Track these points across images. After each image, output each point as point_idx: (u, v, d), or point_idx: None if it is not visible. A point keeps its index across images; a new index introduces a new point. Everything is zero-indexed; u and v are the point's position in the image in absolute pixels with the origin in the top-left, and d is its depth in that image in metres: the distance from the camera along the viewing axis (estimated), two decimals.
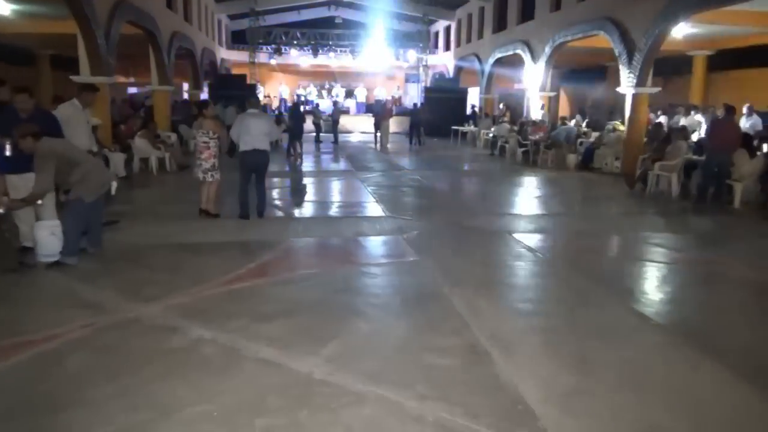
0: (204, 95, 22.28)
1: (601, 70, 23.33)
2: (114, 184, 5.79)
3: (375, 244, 6.68)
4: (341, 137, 21.51)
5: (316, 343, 3.75)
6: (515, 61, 21.01)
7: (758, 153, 9.60)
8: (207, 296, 4.68)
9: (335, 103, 22.15)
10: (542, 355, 3.66)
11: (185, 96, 24.09)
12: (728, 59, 17.46)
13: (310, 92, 30.57)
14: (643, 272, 5.83)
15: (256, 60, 27.42)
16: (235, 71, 28.37)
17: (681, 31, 13.49)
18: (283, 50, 28.61)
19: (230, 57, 29.85)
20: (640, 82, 12.64)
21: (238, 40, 30.52)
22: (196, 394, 3.14)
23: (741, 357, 3.68)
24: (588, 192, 11.07)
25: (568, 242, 6.95)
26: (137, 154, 11.69)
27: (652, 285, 5.43)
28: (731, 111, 9.48)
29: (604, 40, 13.97)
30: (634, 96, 12.92)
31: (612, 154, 13.53)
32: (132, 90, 25.72)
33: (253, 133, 7.43)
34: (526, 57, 19.31)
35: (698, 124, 14.67)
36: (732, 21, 12.45)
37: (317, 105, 25.59)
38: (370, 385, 3.22)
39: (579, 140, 14.90)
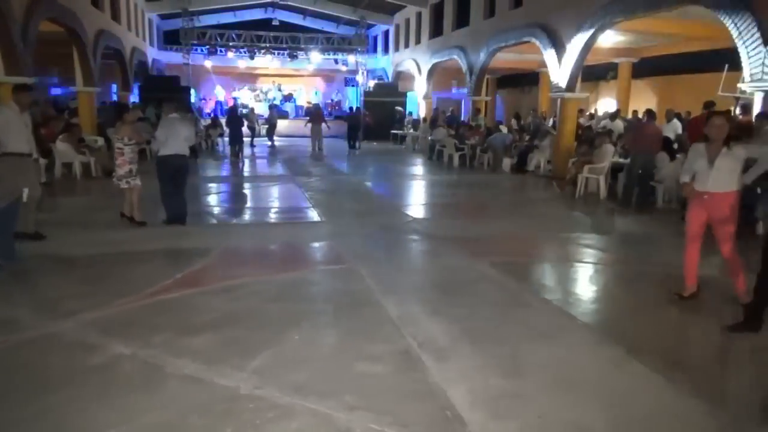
0: (134, 97, 21.48)
1: (535, 75, 24.04)
2: (25, 191, 5.44)
3: (310, 251, 6.59)
4: (279, 142, 21.23)
5: (245, 356, 3.63)
6: (454, 66, 21.37)
7: (677, 156, 10.13)
8: (130, 309, 4.46)
9: (271, 107, 21.79)
10: (473, 359, 3.69)
11: (114, 98, 23.14)
12: (651, 67, 18.38)
13: (247, 95, 30.01)
14: (571, 273, 6.01)
15: (190, 61, 26.61)
16: (168, 72, 27.49)
17: (608, 39, 14.07)
18: (218, 51, 27.93)
19: (162, 58, 28.92)
20: (570, 88, 13.11)
21: (170, 40, 29.56)
22: (115, 416, 2.97)
23: (659, 354, 3.83)
24: (522, 195, 11.36)
25: (500, 245, 7.07)
26: (59, 159, 11.09)
27: (579, 285, 5.60)
28: (653, 115, 9.95)
29: (537, 46, 14.40)
30: (564, 101, 13.38)
31: (545, 158, 13.96)
32: (56, 91, 24.44)
33: (176, 138, 7.28)
34: (462, 62, 19.68)
35: (621, 128, 15.36)
36: (654, 30, 13.10)
37: (252, 109, 25.12)
38: (299, 398, 3.14)
39: (514, 144, 15.27)
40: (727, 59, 9.54)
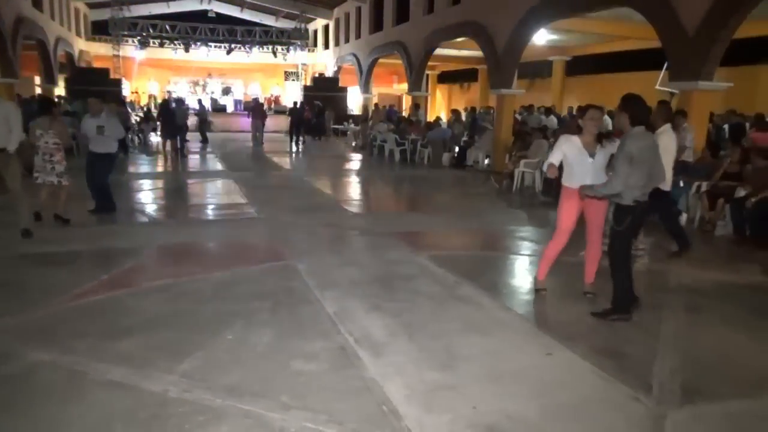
0: (59, 90, 20.39)
1: (473, 71, 24.48)
2: None
3: (247, 248, 6.44)
4: (217, 136, 20.68)
5: (174, 359, 3.49)
6: (394, 61, 21.43)
7: None
8: (51, 314, 4.21)
9: (200, 101, 21.11)
10: (410, 353, 3.69)
11: (38, 90, 21.89)
12: (583, 65, 19.06)
13: (183, 89, 29.07)
14: (507, 265, 6.14)
15: (120, 53, 25.54)
16: (97, 64, 26.28)
17: (542, 37, 14.47)
18: (150, 43, 26.91)
19: (91, 49, 27.62)
20: (506, 84, 13.40)
21: (99, 30, 28.22)
22: (33, 426, 2.79)
23: (588, 342, 3.95)
24: (461, 189, 11.51)
25: (440, 239, 7.14)
26: None
27: (515, 277, 5.72)
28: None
29: (475, 43, 14.64)
30: (501, 97, 13.67)
31: (483, 152, 14.23)
32: None
33: (98, 132, 7.29)
34: (403, 58, 19.77)
35: (555, 124, 15.85)
36: (586, 30, 13.57)
37: (182, 100, 24.35)
38: (231, 399, 3.05)
39: (453, 140, 15.48)
40: (658, 58, 9.98)
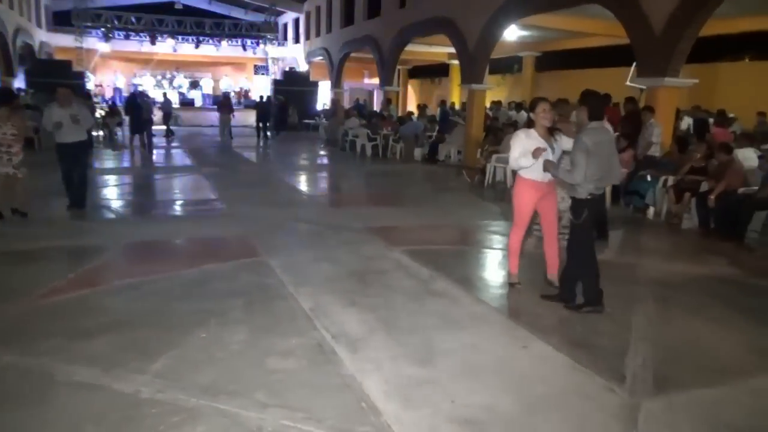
0: (19, 83, 19.74)
1: (445, 66, 24.54)
2: None
3: (218, 245, 6.33)
4: (185, 131, 20.30)
5: (146, 359, 3.40)
6: (366, 56, 21.35)
7: None
8: (16, 314, 4.08)
9: (165, 95, 20.64)
10: (387, 348, 3.67)
11: None
12: (552, 60, 19.29)
13: (149, 82, 28.43)
14: (481, 259, 6.18)
15: (83, 45, 24.81)
16: (59, 56, 25.50)
17: (513, 33, 14.58)
18: (115, 35, 26.23)
19: (52, 41, 26.77)
20: (477, 79, 13.47)
21: (62, 21, 27.35)
22: None
23: (563, 334, 4.00)
24: (434, 184, 11.54)
25: (414, 233, 7.13)
26: None
27: (489, 271, 5.76)
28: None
29: (447, 38, 14.67)
30: (472, 92, 13.74)
31: (455, 147, 14.29)
32: None
33: (73, 121, 7.13)
34: (374, 53, 19.70)
35: (525, 119, 16.01)
36: (556, 26, 13.72)
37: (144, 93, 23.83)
38: (206, 399, 2.99)
39: (426, 134, 15.49)
40: (627, 55, 10.13)
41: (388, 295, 4.68)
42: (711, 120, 11.87)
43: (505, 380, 3.32)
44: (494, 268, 5.84)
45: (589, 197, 4.26)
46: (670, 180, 8.00)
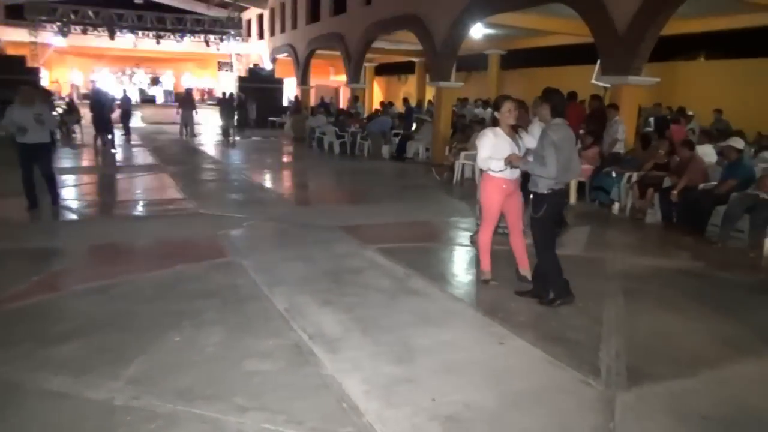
0: None
1: (411, 64, 24.61)
2: None
3: (188, 245, 6.19)
4: (147, 129, 19.82)
5: (118, 364, 3.31)
6: (332, 53, 21.23)
7: None
8: None
9: (125, 91, 20.02)
10: (365, 348, 3.66)
11: None
12: (517, 58, 19.54)
13: (109, 79, 27.65)
14: (453, 256, 6.22)
15: (38, 40, 23.95)
16: (10, 51, 24.54)
17: (478, 31, 14.70)
18: (71, 30, 25.41)
19: (4, 35, 25.78)
20: (444, 77, 13.54)
21: (14, 14, 26.31)
22: None
23: (537, 329, 4.06)
24: (403, 182, 11.57)
25: (386, 231, 7.12)
26: None
27: (462, 268, 5.80)
28: (523, 105, 10.55)
29: (413, 35, 14.70)
30: (440, 89, 13.81)
31: (423, 145, 14.35)
32: None
33: (37, 121, 6.91)
34: (341, 50, 19.61)
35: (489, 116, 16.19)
36: (521, 24, 13.89)
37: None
38: (183, 404, 2.92)
39: (393, 131, 15.51)
40: (591, 53, 10.33)
41: (363, 293, 4.66)
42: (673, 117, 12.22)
43: (483, 376, 3.35)
44: (467, 265, 5.87)
45: (549, 192, 4.35)
46: (635, 176, 8.20)
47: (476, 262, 5.75)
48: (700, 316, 4.48)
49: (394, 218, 7.81)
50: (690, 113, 13.04)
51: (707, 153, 8.24)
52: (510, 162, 4.50)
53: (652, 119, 12.35)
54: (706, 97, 14.09)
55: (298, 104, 22.16)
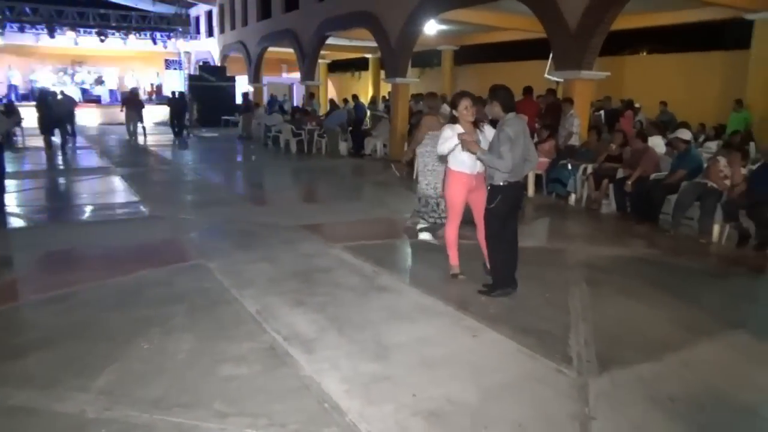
0: None
1: (365, 61, 24.58)
2: None
3: (148, 250, 6.00)
4: (94, 130, 19.08)
5: (87, 375, 3.18)
6: (284, 50, 20.96)
7: None
8: None
9: (63, 92, 19.09)
10: (341, 346, 3.64)
11: None
12: (470, 54, 19.80)
13: (50, 78, 26.42)
14: (420, 252, 6.25)
15: None
16: None
17: (432, 27, 14.80)
18: (7, 27, 24.20)
19: None
20: (400, 73, 13.59)
21: None
22: None
23: (509, 321, 4.13)
24: (363, 179, 11.57)
25: (351, 229, 7.10)
26: None
27: (429, 263, 5.82)
28: (481, 100, 10.71)
29: (367, 32, 14.67)
30: (395, 86, 13.85)
31: (381, 141, 14.36)
32: None
33: None
34: (294, 47, 19.38)
35: (447, 112, 16.34)
36: (474, 20, 14.07)
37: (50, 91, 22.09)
38: (159, 413, 2.84)
39: (350, 128, 15.46)
40: (543, 49, 10.56)
41: (334, 292, 4.64)
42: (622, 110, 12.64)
43: (460, 370, 3.39)
44: (434, 259, 5.89)
45: (504, 184, 4.43)
46: (590, 168, 8.45)
47: (442, 257, 5.83)
48: (660, 303, 4.66)
49: (356, 216, 7.79)
50: (637, 106, 13.53)
51: (657, 144, 8.57)
52: (464, 141, 4.52)
53: (602, 112, 12.75)
54: (651, 90, 14.65)
55: (248, 102, 21.73)
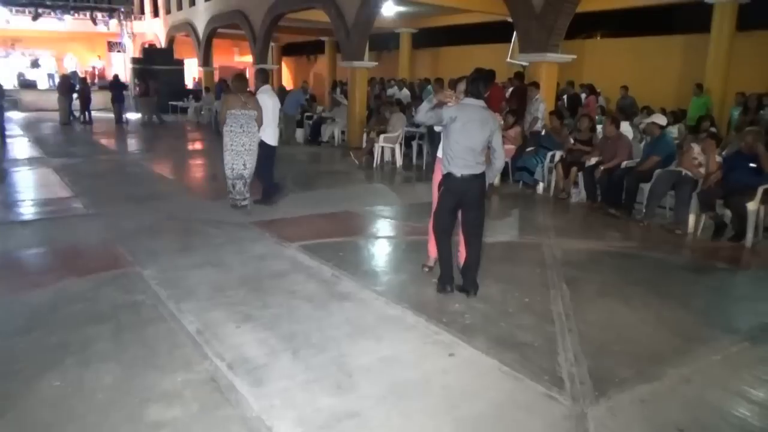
0: None
1: (321, 43, 23.76)
2: None
3: (73, 255, 5.26)
4: (29, 116, 17.72)
5: None
6: (236, 31, 19.97)
7: None
8: None
9: None
10: (296, 374, 3.09)
11: None
12: (429, 37, 19.27)
13: None
14: (382, 250, 5.73)
15: None
16: None
17: (390, 9, 14.19)
18: None
19: None
20: (358, 56, 12.96)
21: None
22: None
23: (486, 332, 3.67)
24: (321, 168, 10.97)
25: (307, 225, 6.51)
26: None
27: (394, 263, 5.33)
28: (440, 83, 10.23)
29: (323, 13, 13.96)
30: (353, 70, 13.21)
31: (339, 128, 13.74)
32: None
33: None
34: (245, 28, 18.44)
35: (407, 97, 15.81)
36: (432, 2, 13.52)
37: None
38: None
39: (306, 114, 14.75)
40: (504, 31, 10.13)
41: (288, 303, 4.07)
42: (583, 95, 12.39)
43: (436, 399, 2.90)
44: (399, 259, 5.42)
45: (444, 172, 4.20)
46: (557, 156, 8.09)
47: (406, 256, 5.35)
48: (644, 304, 4.29)
49: (313, 209, 7.17)
50: (597, 91, 13.32)
51: (625, 130, 8.28)
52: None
53: (564, 97, 12.47)
54: (610, 74, 14.46)
55: (209, 88, 20.51)
